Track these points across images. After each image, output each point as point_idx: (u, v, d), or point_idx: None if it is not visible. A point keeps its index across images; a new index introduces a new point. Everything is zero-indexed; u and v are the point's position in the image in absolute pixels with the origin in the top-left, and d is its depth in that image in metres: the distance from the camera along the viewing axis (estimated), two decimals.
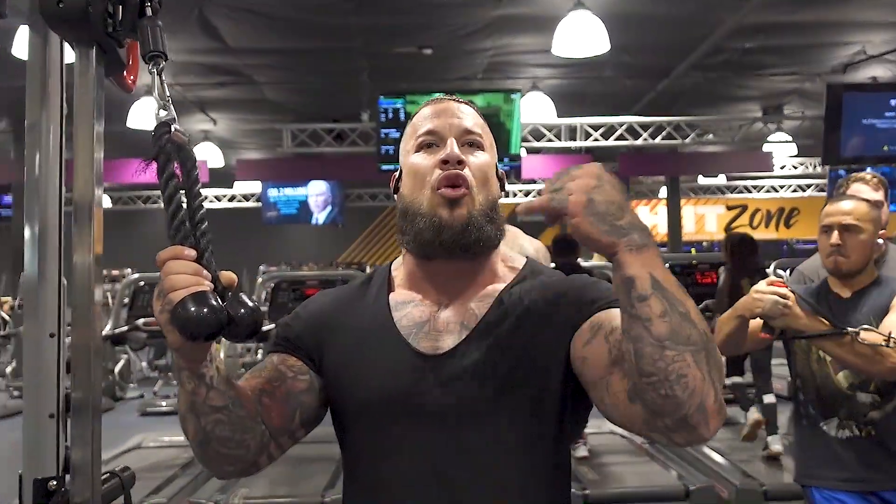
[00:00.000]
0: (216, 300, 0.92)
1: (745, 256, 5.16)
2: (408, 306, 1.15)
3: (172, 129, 0.96)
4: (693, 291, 5.57)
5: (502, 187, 1.19)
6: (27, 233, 1.29)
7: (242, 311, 0.94)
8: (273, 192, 13.16)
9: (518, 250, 1.99)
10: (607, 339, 1.01)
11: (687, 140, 8.97)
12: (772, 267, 5.19)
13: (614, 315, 0.99)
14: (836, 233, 2.07)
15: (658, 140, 8.81)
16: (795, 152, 11.44)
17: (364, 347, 1.14)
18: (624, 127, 8.76)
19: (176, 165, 0.97)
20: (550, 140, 8.54)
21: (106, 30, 1.01)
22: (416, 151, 1.15)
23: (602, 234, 0.91)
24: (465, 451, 1.07)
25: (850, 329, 1.93)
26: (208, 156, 10.39)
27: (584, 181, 0.92)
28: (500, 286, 1.15)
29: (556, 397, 1.08)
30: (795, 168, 12.73)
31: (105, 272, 12.13)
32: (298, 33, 6.86)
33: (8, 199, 11.60)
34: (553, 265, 5.32)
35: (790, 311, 1.96)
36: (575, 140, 8.67)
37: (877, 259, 2.20)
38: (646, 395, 0.91)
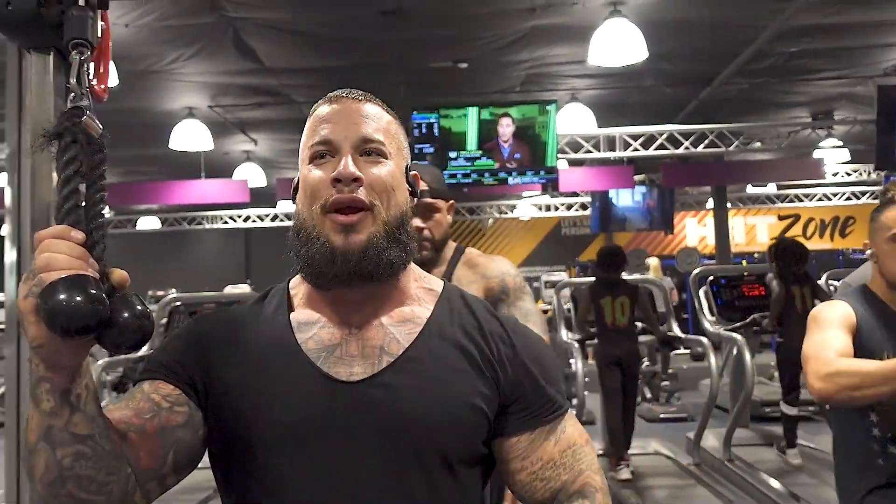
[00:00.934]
0: (98, 291, 0.78)
1: (789, 263, 4.93)
2: (313, 328, 1.03)
3: (84, 115, 0.87)
4: (741, 304, 5.38)
5: (413, 193, 1.08)
6: (6, 255, 1.23)
7: (127, 313, 0.81)
8: None
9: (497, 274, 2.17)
10: (517, 474, 1.05)
11: (731, 148, 8.72)
12: (824, 277, 4.96)
13: (542, 440, 1.05)
14: None
15: (701, 149, 8.59)
16: (848, 158, 11.07)
17: (267, 372, 1.01)
18: (665, 136, 8.56)
19: (80, 153, 0.86)
20: (590, 151, 8.38)
21: (60, 33, 0.94)
22: (310, 161, 1.04)
23: None
24: (371, 492, 0.96)
25: None
26: (250, 175, 10.48)
27: None
28: (417, 309, 1.05)
29: (475, 453, 1.04)
30: (849, 175, 12.31)
31: (151, 293, 12.32)
32: (334, 51, 6.87)
33: None
34: (594, 278, 5.20)
35: None
36: (615, 150, 8.50)
37: None
38: None
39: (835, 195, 14.25)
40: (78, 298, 0.76)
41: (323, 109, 1.08)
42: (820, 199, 14.44)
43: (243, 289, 9.79)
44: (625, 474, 4.39)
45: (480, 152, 7.02)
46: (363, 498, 0.96)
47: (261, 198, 11.58)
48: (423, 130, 7.16)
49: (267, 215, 13.93)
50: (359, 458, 0.97)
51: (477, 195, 13.11)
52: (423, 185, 1.92)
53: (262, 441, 0.98)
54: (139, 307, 0.82)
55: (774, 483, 4.16)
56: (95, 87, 1.10)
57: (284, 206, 13.58)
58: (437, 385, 1.00)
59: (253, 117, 9.08)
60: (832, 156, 10.67)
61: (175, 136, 8.14)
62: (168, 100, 8.06)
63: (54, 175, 0.92)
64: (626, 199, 11.61)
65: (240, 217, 13.89)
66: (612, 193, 11.32)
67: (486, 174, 7.03)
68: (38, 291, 0.77)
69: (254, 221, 14.01)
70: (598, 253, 5.29)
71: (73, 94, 0.88)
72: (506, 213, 14.45)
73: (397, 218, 1.02)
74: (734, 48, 6.97)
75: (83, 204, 0.86)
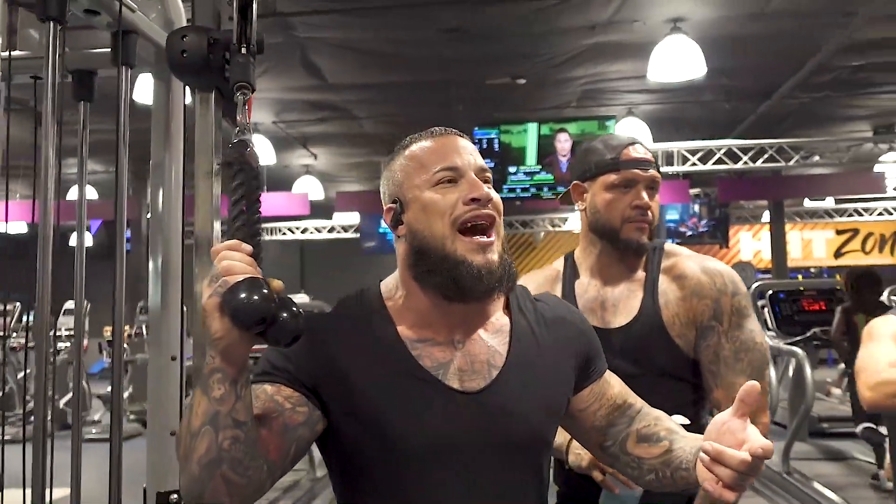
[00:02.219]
0: (270, 292, 0.92)
1: (864, 291, 4.92)
2: (425, 345, 1.11)
3: (249, 148, 1.01)
4: (800, 319, 5.37)
5: None
6: (150, 265, 1.39)
7: (286, 313, 0.93)
8: (371, 222, 13.43)
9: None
10: (597, 413, 1.22)
11: (791, 163, 8.65)
12: (886, 294, 4.94)
13: (606, 384, 1.24)
14: None
15: (760, 163, 8.55)
16: None
17: (393, 388, 1.08)
18: (723, 151, 8.54)
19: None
20: None
21: (223, 76, 1.10)
22: (435, 185, 1.11)
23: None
24: (501, 491, 1.09)
25: None
26: (309, 189, 10.74)
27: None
28: (501, 317, 1.18)
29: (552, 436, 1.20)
30: None
31: None
32: (395, 68, 7.06)
33: (127, 233, 12.33)
34: None
35: None
36: (672, 165, 8.51)
37: None
38: (644, 477, 1.17)
39: (895, 209, 13.95)
40: (256, 297, 0.89)
41: (431, 142, 1.15)
42: (880, 214, 14.14)
43: (302, 298, 10.03)
44: None
45: (539, 167, 7.13)
46: (495, 493, 1.08)
47: (318, 210, 11.84)
48: (484, 146, 7.30)
49: (324, 227, 14.22)
50: (491, 464, 1.08)
51: (531, 208, 13.19)
52: (637, 154, 1.66)
53: (404, 455, 1.06)
54: (295, 308, 0.94)
55: (831, 494, 4.16)
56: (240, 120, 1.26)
57: (341, 219, 13.86)
58: (539, 387, 1.14)
59: (314, 132, 9.33)
60: (894, 170, 10.48)
61: None
62: None
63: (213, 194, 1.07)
64: (680, 212, 11.56)
65: (297, 229, 14.21)
66: (666, 207, 11.28)
67: (545, 188, 7.13)
68: (223, 291, 0.91)
69: (311, 233, 14.32)
70: None
71: (238, 128, 1.02)
72: (559, 225, 14.50)
73: (505, 237, 1.13)
74: (795, 62, 6.95)
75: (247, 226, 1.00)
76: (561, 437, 1.48)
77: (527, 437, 1.11)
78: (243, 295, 0.89)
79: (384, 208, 1.17)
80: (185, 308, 1.36)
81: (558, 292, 1.71)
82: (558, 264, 1.81)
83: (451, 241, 1.08)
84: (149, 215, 1.39)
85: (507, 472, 1.09)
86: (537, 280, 1.78)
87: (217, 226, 1.15)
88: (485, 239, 1.08)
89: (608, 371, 1.26)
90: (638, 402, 1.24)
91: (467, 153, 1.14)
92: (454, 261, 1.07)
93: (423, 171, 1.12)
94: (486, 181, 1.13)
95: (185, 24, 1.33)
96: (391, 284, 1.17)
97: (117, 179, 1.27)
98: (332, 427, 1.09)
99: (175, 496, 1.29)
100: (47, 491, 1.26)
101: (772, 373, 4.81)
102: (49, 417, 1.25)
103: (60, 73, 1.10)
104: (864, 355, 1.93)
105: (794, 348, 4.91)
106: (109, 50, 1.30)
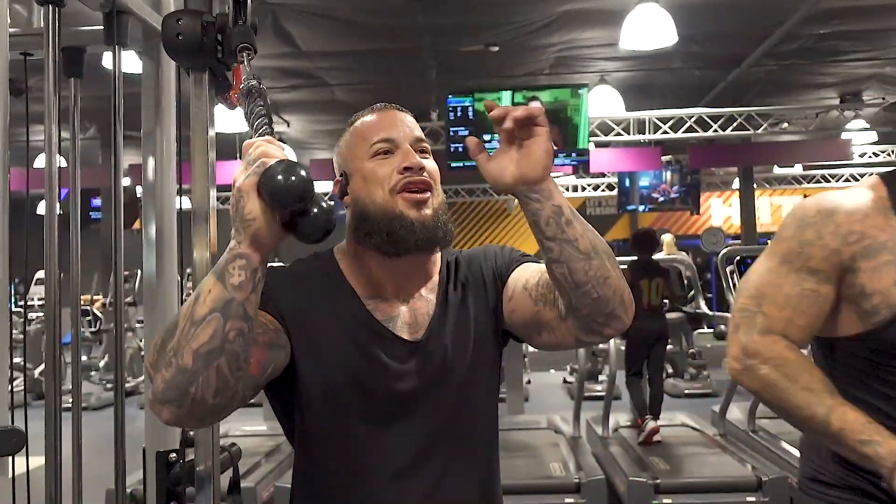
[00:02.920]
0: (307, 175, 0.95)
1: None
2: (376, 301, 1.20)
3: (262, 84, 1.09)
4: None
5: None
6: (145, 234, 1.45)
7: (317, 209, 0.95)
8: None
9: None
10: (525, 289, 1.19)
11: (759, 130, 8.79)
12: None
13: (522, 271, 1.22)
14: None
15: (729, 131, 8.68)
16: (875, 139, 11.08)
17: (352, 335, 1.17)
18: (693, 119, 8.66)
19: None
20: (619, 134, 8.50)
21: (216, 57, 1.15)
22: (372, 157, 1.19)
23: (550, 158, 1.05)
24: (451, 432, 1.19)
25: None
26: None
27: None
28: (436, 276, 1.26)
29: (497, 359, 1.28)
30: (876, 156, 12.31)
31: (188, 270, 12.63)
32: (368, 35, 7.04)
33: (96, 202, 12.20)
34: (635, 259, 5.36)
35: None
36: (644, 133, 8.61)
37: None
38: (581, 304, 1.07)
39: (861, 175, 14.23)
40: (293, 178, 0.92)
41: (372, 117, 1.24)
42: (847, 180, 14.43)
43: (277, 265, 10.05)
44: (657, 437, 4.61)
45: None
46: (442, 440, 1.19)
47: None
48: (459, 114, 7.33)
49: None
50: (434, 407, 1.19)
51: None
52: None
53: (362, 399, 1.16)
54: (324, 205, 0.97)
55: (796, 452, 4.34)
56: (231, 95, 1.31)
57: (315, 186, 13.79)
58: (468, 334, 1.23)
59: (287, 99, 9.28)
60: (861, 137, 10.68)
61: (217, 120, 8.34)
62: None
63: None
64: (652, 179, 11.72)
65: None
66: (638, 174, 11.42)
67: None
68: (261, 171, 0.94)
69: None
70: (634, 235, 5.47)
71: (248, 76, 1.10)
72: None
73: (444, 203, 1.22)
74: (763, 30, 7.05)
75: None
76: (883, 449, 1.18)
77: (460, 385, 1.20)
78: (282, 175, 0.91)
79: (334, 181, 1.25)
80: (178, 277, 1.42)
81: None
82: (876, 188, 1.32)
83: (390, 203, 1.16)
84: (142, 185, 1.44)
85: (449, 413, 1.20)
86: (858, 208, 1.28)
87: (213, 194, 1.21)
88: (419, 195, 1.16)
89: (520, 266, 1.25)
90: (536, 271, 1.22)
91: (405, 126, 1.22)
92: (391, 216, 1.15)
93: (364, 143, 1.21)
94: (422, 150, 1.21)
95: (172, 4, 1.37)
96: (341, 249, 1.26)
97: (114, 154, 1.32)
98: (293, 367, 1.15)
99: (173, 455, 1.36)
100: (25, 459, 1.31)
101: None
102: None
103: (59, 54, 1.14)
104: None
105: None
106: (100, 28, 1.34)
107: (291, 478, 1.27)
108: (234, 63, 1.22)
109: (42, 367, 8.28)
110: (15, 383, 2.02)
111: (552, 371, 9.80)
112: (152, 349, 1.07)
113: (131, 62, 1.78)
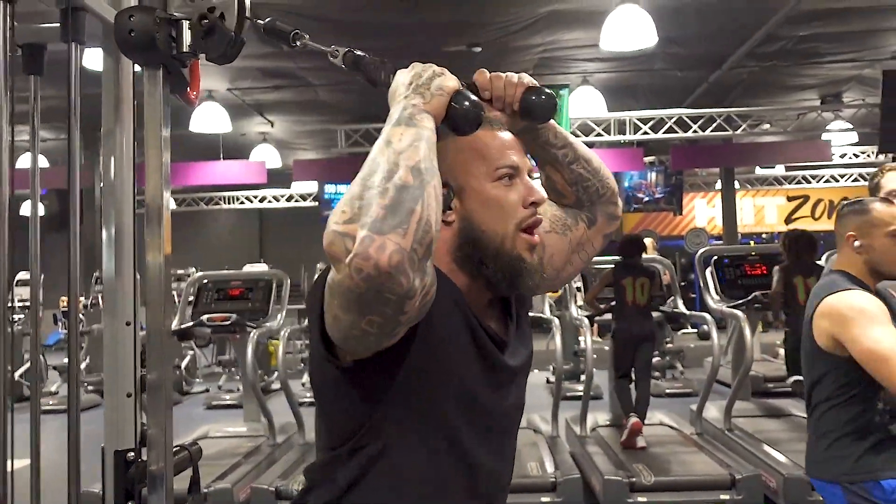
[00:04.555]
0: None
1: (801, 254, 5.12)
2: (483, 317, 1.15)
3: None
4: (743, 283, 5.59)
5: None
6: (104, 233, 1.44)
7: (467, 103, 1.04)
8: (330, 189, 13.33)
9: None
10: (548, 232, 1.27)
11: (739, 131, 8.85)
12: (824, 258, 5.14)
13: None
14: None
15: (709, 132, 8.73)
16: (856, 140, 11.18)
17: (462, 347, 1.11)
18: (674, 119, 8.70)
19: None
20: (600, 135, 8.53)
21: (171, 53, 1.15)
22: (497, 180, 1.13)
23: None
24: (510, 449, 1.25)
25: None
26: (266, 157, 10.68)
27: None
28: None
29: None
30: (857, 157, 12.43)
31: (172, 271, 12.55)
32: (350, 35, 7.03)
33: None
34: (620, 258, 5.39)
35: None
36: (625, 133, 8.65)
37: None
38: (597, 198, 1.31)
39: (842, 176, 14.35)
40: (476, 106, 1.05)
41: (500, 136, 1.15)
42: (827, 181, 14.55)
43: (261, 267, 10.02)
44: (641, 443, 4.61)
45: None
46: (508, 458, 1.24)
47: (276, 178, 11.78)
48: None
49: (283, 196, 14.15)
50: (512, 430, 1.24)
51: None
52: None
53: (457, 405, 1.10)
54: (475, 99, 1.06)
55: (770, 450, 4.38)
56: (189, 93, 1.31)
57: (300, 187, 13.79)
58: (525, 357, 1.25)
59: (270, 99, 9.26)
60: (841, 138, 10.78)
61: (195, 118, 8.33)
62: None
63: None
64: (636, 179, 11.76)
65: (255, 198, 14.12)
66: (622, 174, 11.47)
67: None
68: (452, 95, 1.03)
69: (269, 202, 14.24)
70: (622, 241, 5.51)
71: (332, 51, 1.27)
72: None
73: None
74: (744, 32, 7.09)
75: None
76: None
77: (521, 404, 1.25)
78: (467, 102, 1.04)
79: None
80: (137, 276, 1.42)
81: None
82: None
83: (511, 239, 1.12)
84: (102, 185, 1.44)
85: (514, 437, 1.26)
86: None
87: (167, 195, 1.21)
88: (535, 239, 1.15)
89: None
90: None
91: (522, 154, 1.17)
92: (511, 256, 1.12)
93: (484, 163, 1.13)
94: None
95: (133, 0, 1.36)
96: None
97: (70, 152, 1.32)
98: (396, 356, 1.04)
99: (132, 454, 1.35)
100: (8, 463, 1.31)
101: (715, 335, 5.00)
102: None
103: (11, 50, 1.14)
104: (881, 338, 1.90)
105: (736, 311, 5.11)
106: (58, 25, 1.34)
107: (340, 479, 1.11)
108: (189, 61, 1.22)
109: (24, 367, 8.22)
110: None
111: (536, 371, 9.82)
112: (346, 208, 0.93)
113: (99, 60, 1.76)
